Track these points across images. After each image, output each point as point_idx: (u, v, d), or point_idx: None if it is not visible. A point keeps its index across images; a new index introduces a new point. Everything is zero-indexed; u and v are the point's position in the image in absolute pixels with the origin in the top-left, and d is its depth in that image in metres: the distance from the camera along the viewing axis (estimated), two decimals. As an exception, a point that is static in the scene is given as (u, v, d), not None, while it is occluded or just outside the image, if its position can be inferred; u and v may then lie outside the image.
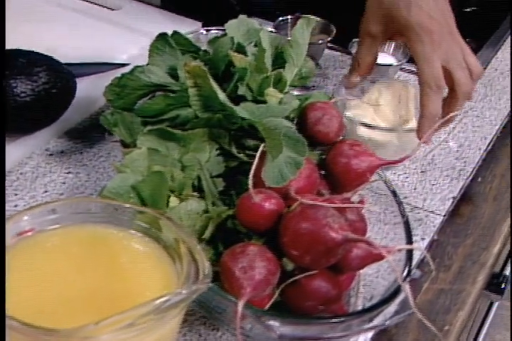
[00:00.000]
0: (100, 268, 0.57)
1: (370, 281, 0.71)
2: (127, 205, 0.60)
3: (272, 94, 0.72)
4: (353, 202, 0.68)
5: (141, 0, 1.12)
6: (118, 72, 0.77)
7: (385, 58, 1.01)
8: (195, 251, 0.55)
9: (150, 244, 0.59)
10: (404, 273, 0.66)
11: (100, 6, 1.10)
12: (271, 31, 1.03)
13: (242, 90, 0.72)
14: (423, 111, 0.78)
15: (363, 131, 0.77)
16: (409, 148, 0.84)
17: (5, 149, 0.80)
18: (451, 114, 0.75)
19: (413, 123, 0.83)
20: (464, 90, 0.81)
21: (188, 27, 1.07)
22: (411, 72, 1.05)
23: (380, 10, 0.85)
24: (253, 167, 0.63)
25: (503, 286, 1.00)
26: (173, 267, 0.57)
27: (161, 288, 0.56)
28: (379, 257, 0.64)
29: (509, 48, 1.12)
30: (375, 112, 0.84)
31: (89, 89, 0.89)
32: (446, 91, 0.81)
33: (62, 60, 0.88)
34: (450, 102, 0.81)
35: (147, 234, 0.59)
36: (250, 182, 0.62)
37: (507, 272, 1.05)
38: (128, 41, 1.01)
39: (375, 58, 0.89)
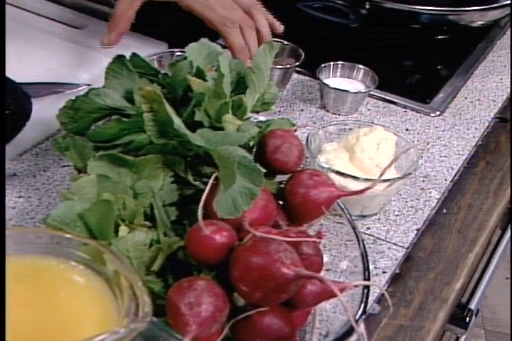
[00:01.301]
0: (38, 301, 0.54)
1: (327, 316, 0.68)
2: (69, 236, 0.57)
3: (229, 120, 0.70)
4: (309, 235, 0.66)
5: (107, 19, 1.09)
6: (78, 93, 0.74)
7: (353, 85, 0.99)
8: (136, 288, 0.53)
9: (92, 277, 0.56)
10: (360, 311, 0.63)
11: (64, 24, 1.08)
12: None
13: (199, 116, 0.70)
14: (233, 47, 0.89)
15: (333, 178, 0.75)
16: (383, 198, 0.82)
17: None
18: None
19: (390, 173, 0.80)
20: None
21: (153, 48, 1.05)
22: (380, 98, 1.03)
23: None
24: (203, 197, 0.60)
25: (467, 320, 0.98)
26: (115, 302, 0.54)
27: (100, 325, 0.53)
28: (334, 294, 0.61)
29: (479, 77, 1.10)
30: (351, 159, 0.81)
31: (47, 110, 0.86)
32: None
33: (21, 79, 0.85)
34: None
35: (90, 266, 0.56)
36: (200, 213, 0.59)
37: (472, 306, 1.02)
38: (91, 61, 0.98)
39: (134, 13, 0.91)
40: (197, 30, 1.04)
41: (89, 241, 0.57)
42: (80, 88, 0.93)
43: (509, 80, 1.09)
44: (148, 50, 1.03)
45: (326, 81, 0.98)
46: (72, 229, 0.62)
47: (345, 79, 1.00)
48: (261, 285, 0.57)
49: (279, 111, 0.98)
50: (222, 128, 0.70)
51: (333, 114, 0.99)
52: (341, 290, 0.58)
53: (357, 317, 0.62)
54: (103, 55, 0.98)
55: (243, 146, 0.68)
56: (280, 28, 0.96)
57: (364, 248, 0.69)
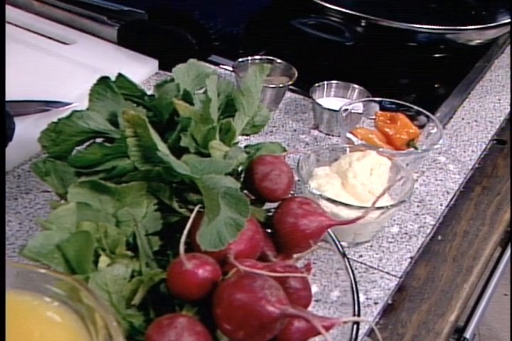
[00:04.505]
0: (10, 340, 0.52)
1: (316, 351, 0.66)
2: (44, 271, 0.54)
3: (216, 147, 0.67)
4: (297, 269, 0.63)
5: (97, 35, 1.07)
6: (65, 111, 0.72)
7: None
8: (111, 328, 0.50)
9: (67, 314, 0.54)
10: (349, 348, 0.61)
11: (52, 39, 1.05)
12: (232, 71, 0.99)
13: (184, 141, 0.67)
14: None
15: (325, 205, 0.72)
16: (376, 226, 0.79)
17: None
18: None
19: (384, 200, 0.77)
20: None
21: (144, 65, 1.02)
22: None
23: None
24: (186, 230, 0.58)
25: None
26: (90, 341, 0.52)
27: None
28: (322, 331, 0.59)
29: (477, 97, 1.08)
30: (343, 185, 0.78)
31: (31, 129, 0.83)
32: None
33: (6, 97, 0.82)
34: None
35: (65, 303, 0.54)
36: (181, 247, 0.57)
37: (468, 333, 1.00)
38: (79, 78, 0.96)
39: None
40: (188, 49, 1.02)
41: (65, 276, 0.55)
42: (67, 106, 0.90)
43: (507, 101, 1.06)
44: (139, 66, 1.01)
45: (319, 101, 0.96)
46: (50, 261, 0.59)
47: (339, 99, 0.98)
48: (245, 323, 0.55)
49: (271, 132, 0.96)
50: (208, 155, 0.68)
51: (326, 134, 0.96)
52: (328, 328, 0.55)
53: (345, 355, 0.60)
54: (92, 71, 0.96)
55: (231, 173, 0.66)
56: None
57: (355, 280, 0.67)
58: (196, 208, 0.60)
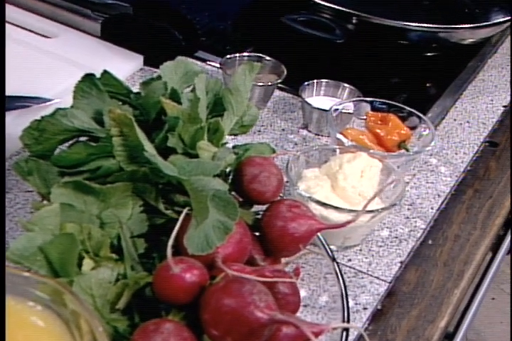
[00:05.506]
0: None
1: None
2: (27, 274, 0.52)
3: (204, 147, 0.66)
4: (286, 273, 0.61)
5: (80, 29, 1.04)
6: (46, 108, 0.69)
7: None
8: (97, 333, 0.48)
9: (51, 319, 0.52)
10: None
11: (33, 32, 1.03)
12: (219, 67, 0.97)
13: (172, 142, 0.65)
14: None
15: (314, 208, 0.70)
16: (365, 229, 0.78)
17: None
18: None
19: (374, 203, 0.75)
20: None
21: (128, 60, 1.00)
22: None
23: None
24: (173, 233, 0.56)
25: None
26: (74, 348, 0.50)
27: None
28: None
29: (469, 97, 1.06)
30: (333, 187, 0.76)
31: (11, 126, 0.81)
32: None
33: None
34: None
35: (49, 307, 0.52)
36: (169, 250, 0.55)
37: (457, 339, 0.98)
38: (61, 73, 0.93)
39: None
40: (174, 44, 1.00)
41: (48, 280, 0.53)
42: (49, 102, 0.88)
43: (500, 102, 1.05)
44: (123, 62, 0.99)
45: (308, 100, 0.94)
46: (32, 264, 0.58)
47: (329, 98, 0.96)
48: (233, 329, 0.53)
49: (259, 131, 0.94)
50: (196, 155, 0.66)
51: (315, 134, 0.95)
52: (318, 334, 0.54)
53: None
54: (75, 66, 0.94)
55: (219, 174, 0.64)
56: None
57: (344, 286, 0.65)
58: (185, 211, 0.58)
